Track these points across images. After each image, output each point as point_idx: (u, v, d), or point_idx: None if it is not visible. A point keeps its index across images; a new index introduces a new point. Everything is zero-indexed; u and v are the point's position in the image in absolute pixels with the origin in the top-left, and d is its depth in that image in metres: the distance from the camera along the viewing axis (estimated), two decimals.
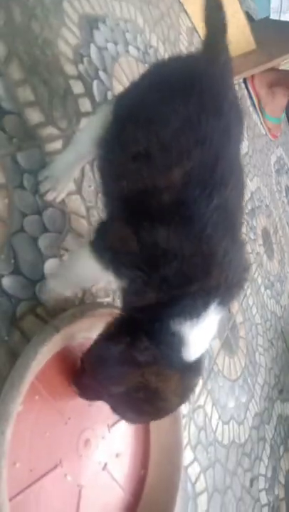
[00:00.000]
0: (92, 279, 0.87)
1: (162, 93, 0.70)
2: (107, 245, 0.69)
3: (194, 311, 0.62)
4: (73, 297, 0.86)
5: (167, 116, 0.66)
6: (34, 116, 0.89)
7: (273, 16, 1.53)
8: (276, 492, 1.49)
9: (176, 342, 0.62)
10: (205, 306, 0.63)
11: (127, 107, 0.75)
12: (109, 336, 0.67)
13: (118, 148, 0.71)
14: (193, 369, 0.67)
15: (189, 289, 0.62)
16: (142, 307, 0.65)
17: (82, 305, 0.86)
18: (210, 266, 0.63)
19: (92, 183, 0.97)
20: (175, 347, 0.63)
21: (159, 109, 0.68)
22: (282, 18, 1.52)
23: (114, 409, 0.69)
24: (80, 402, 0.81)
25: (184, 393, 0.69)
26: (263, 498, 1.40)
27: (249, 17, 2.00)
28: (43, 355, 0.70)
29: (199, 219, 0.62)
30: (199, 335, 0.64)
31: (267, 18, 1.70)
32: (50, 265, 0.82)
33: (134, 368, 0.63)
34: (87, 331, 0.84)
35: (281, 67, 2.18)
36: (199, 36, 1.78)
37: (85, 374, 0.71)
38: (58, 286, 0.80)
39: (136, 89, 0.79)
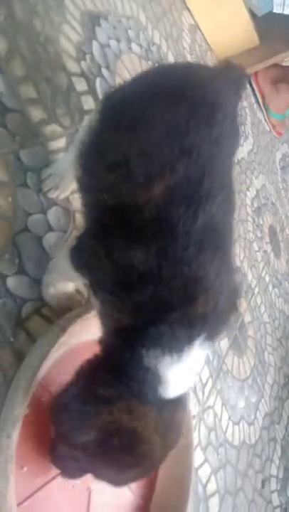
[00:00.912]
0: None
1: (152, 95, 0.64)
2: (82, 260, 0.65)
3: (175, 344, 0.54)
4: (79, 297, 0.84)
5: (152, 121, 0.60)
6: (37, 113, 0.87)
7: (276, 10, 1.51)
8: (288, 493, 1.46)
9: (151, 379, 0.54)
10: (189, 340, 0.55)
11: (113, 105, 0.69)
12: (71, 379, 0.59)
13: (95, 155, 0.65)
14: (174, 404, 0.58)
15: (168, 317, 0.54)
16: (117, 333, 0.58)
17: (88, 304, 0.84)
18: (194, 292, 0.55)
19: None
20: (149, 384, 0.55)
21: (144, 111, 0.62)
22: (286, 12, 1.50)
23: (94, 471, 0.61)
24: None
25: (169, 432, 0.58)
26: (275, 499, 1.37)
27: (252, 13, 1.99)
28: (49, 356, 0.68)
29: (182, 239, 0.55)
30: (181, 373, 0.56)
31: (270, 13, 1.68)
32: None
33: (99, 405, 0.55)
34: (94, 332, 0.82)
35: (285, 64, 2.16)
36: (202, 34, 1.76)
37: (56, 440, 0.63)
38: (54, 281, 0.78)
39: (126, 87, 0.73)
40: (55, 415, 0.59)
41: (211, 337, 0.57)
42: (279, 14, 1.58)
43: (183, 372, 0.56)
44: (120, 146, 0.60)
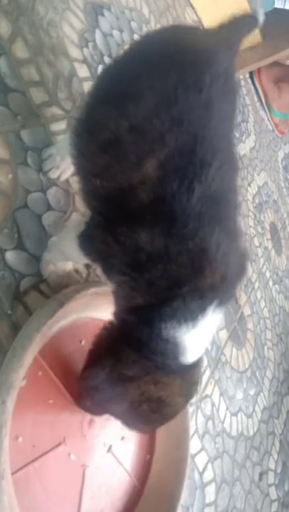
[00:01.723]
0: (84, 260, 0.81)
1: (140, 66, 0.62)
2: (92, 247, 0.66)
3: (189, 314, 0.57)
4: (78, 276, 0.85)
5: (140, 93, 0.58)
6: (38, 95, 0.89)
7: (278, 5, 1.52)
8: (286, 488, 1.45)
9: (171, 349, 0.58)
10: (201, 308, 0.58)
11: (103, 81, 0.67)
12: (95, 360, 0.63)
13: (86, 134, 0.63)
14: (193, 366, 0.62)
15: (180, 292, 0.57)
16: (132, 311, 0.60)
17: (87, 282, 0.85)
18: (200, 264, 0.57)
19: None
20: (170, 354, 0.58)
21: (132, 83, 0.60)
22: (287, 7, 1.52)
23: (124, 423, 0.66)
24: None
25: (189, 391, 0.65)
26: (273, 493, 1.37)
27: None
28: (46, 328, 0.69)
29: (181, 215, 0.56)
30: (197, 339, 0.59)
31: (273, 10, 1.69)
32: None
33: (128, 384, 0.60)
34: (92, 310, 0.83)
35: (288, 63, 2.17)
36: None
37: (85, 400, 0.68)
38: (54, 259, 0.79)
39: (118, 61, 0.71)
40: (88, 394, 0.65)
41: (223, 303, 0.60)
42: (282, 12, 1.59)
43: (199, 338, 0.60)
44: (110, 122, 0.59)
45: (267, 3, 1.88)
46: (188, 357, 0.60)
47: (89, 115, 0.65)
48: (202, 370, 0.70)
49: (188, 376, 0.63)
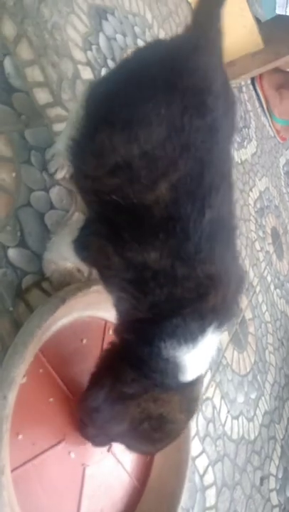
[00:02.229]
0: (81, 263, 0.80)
1: (141, 89, 0.61)
2: (88, 255, 0.67)
3: (189, 335, 0.58)
4: (79, 275, 0.85)
5: (148, 119, 0.58)
6: (42, 96, 0.90)
7: (279, 11, 1.54)
8: (287, 494, 1.44)
9: (171, 368, 0.59)
10: (201, 329, 0.59)
11: (100, 102, 0.66)
12: (94, 380, 0.64)
13: (92, 158, 0.62)
14: (192, 383, 0.63)
15: (181, 313, 0.58)
16: (132, 328, 0.61)
17: (89, 281, 0.85)
18: (207, 290, 0.58)
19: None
20: (170, 373, 0.59)
21: (137, 109, 0.59)
22: (288, 13, 1.53)
23: (128, 446, 0.66)
24: (85, 380, 0.80)
25: (189, 407, 0.65)
26: (274, 498, 1.35)
27: (256, 17, 2.02)
28: (48, 325, 0.69)
29: (193, 237, 0.57)
30: (196, 358, 0.60)
31: (275, 17, 1.71)
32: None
33: (127, 402, 0.60)
34: (93, 309, 0.83)
35: None
36: None
37: (87, 426, 0.68)
38: (55, 259, 0.79)
39: (112, 80, 0.70)
40: (86, 416, 0.65)
41: (222, 324, 0.61)
42: (284, 18, 1.61)
43: (199, 358, 0.61)
44: (119, 147, 0.59)
45: (268, 10, 1.90)
46: (188, 376, 0.61)
47: (92, 138, 0.63)
48: (202, 387, 0.69)
49: (187, 392, 0.63)
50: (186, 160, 0.58)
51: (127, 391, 0.59)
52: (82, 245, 0.68)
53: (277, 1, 1.40)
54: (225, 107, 0.64)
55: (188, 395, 0.64)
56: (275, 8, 1.69)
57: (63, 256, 0.78)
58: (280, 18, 1.65)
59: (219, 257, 0.59)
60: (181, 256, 0.57)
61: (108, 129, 0.60)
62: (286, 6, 1.41)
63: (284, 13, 1.48)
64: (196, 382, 0.64)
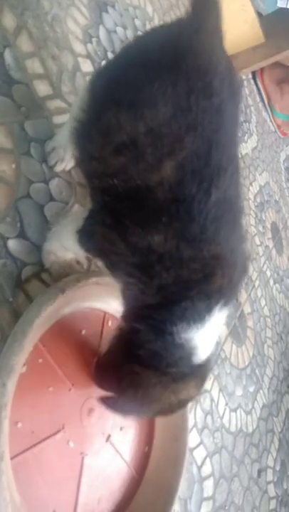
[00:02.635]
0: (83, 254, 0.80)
1: (146, 70, 0.62)
2: (93, 243, 0.67)
3: (197, 315, 0.60)
4: (79, 267, 0.86)
5: (154, 99, 0.59)
6: (42, 88, 0.90)
7: (280, 4, 1.54)
8: (285, 486, 1.45)
9: (185, 352, 0.61)
10: (208, 309, 0.60)
11: (105, 84, 0.67)
12: (116, 386, 0.66)
13: (98, 137, 0.63)
14: (205, 364, 0.66)
15: (189, 295, 0.59)
16: (142, 316, 0.62)
17: (88, 272, 0.86)
18: (213, 270, 0.59)
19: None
20: (184, 359, 0.62)
21: (143, 89, 0.60)
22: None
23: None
24: (84, 370, 0.81)
25: (201, 385, 0.69)
26: (271, 490, 1.37)
27: (258, 11, 2.02)
28: (47, 315, 0.69)
29: (198, 219, 0.57)
30: (205, 337, 0.62)
31: (276, 11, 1.71)
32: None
33: (152, 404, 0.65)
34: (92, 300, 0.84)
35: None
36: None
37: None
38: (54, 250, 0.79)
39: (116, 64, 0.71)
40: (111, 408, 0.69)
41: (228, 302, 0.63)
42: (285, 11, 1.61)
43: (207, 337, 0.63)
44: (125, 126, 0.59)
45: (270, 4, 1.90)
46: (200, 356, 0.63)
47: (98, 117, 0.64)
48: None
49: (200, 373, 0.67)
50: (192, 139, 0.58)
51: (150, 396, 0.63)
52: (87, 235, 0.68)
53: None
54: (230, 91, 0.64)
55: (202, 375, 0.67)
56: (276, 2, 1.69)
57: (65, 247, 0.79)
58: (282, 12, 1.65)
59: (225, 238, 0.60)
60: (186, 237, 0.57)
61: (114, 108, 0.61)
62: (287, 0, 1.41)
63: (285, 6, 1.47)
64: (207, 362, 0.66)
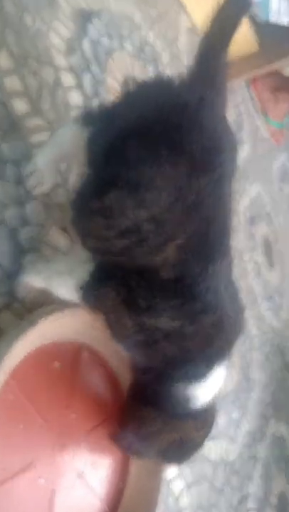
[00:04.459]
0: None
1: (146, 148, 0.63)
2: (101, 307, 0.72)
3: (198, 374, 0.68)
4: (54, 296, 0.87)
5: (155, 183, 0.61)
6: (21, 106, 0.92)
7: (273, 18, 1.58)
8: None
9: (183, 402, 0.70)
10: (208, 368, 0.68)
11: (104, 154, 0.68)
12: (124, 422, 0.77)
13: (100, 219, 0.65)
14: (206, 409, 0.74)
15: (191, 359, 0.67)
16: (148, 372, 0.71)
17: (62, 302, 0.88)
18: (213, 339, 0.67)
19: (78, 177, 0.99)
20: (182, 405, 0.70)
21: (144, 172, 0.62)
22: (281, 20, 1.57)
23: (161, 460, 0.83)
24: (57, 405, 0.83)
25: (207, 424, 0.77)
26: None
27: (252, 20, 2.05)
28: (18, 350, 0.71)
29: (199, 295, 0.63)
30: (207, 389, 0.70)
31: (270, 21, 1.74)
32: (30, 259, 0.84)
33: (152, 439, 0.74)
34: (67, 332, 0.85)
35: (285, 73, 2.23)
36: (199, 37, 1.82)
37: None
38: (35, 284, 0.81)
39: (113, 126, 0.71)
40: (122, 447, 0.84)
41: (226, 357, 0.71)
42: (276, 26, 1.65)
43: (207, 389, 0.71)
44: (128, 212, 0.62)
45: (266, 12, 1.93)
46: (199, 404, 0.71)
47: (99, 198, 0.65)
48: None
49: (200, 416, 0.74)
50: (192, 221, 0.63)
51: (151, 429, 0.71)
52: (96, 298, 0.71)
53: (271, 8, 1.43)
54: (230, 154, 0.69)
55: (203, 419, 0.75)
56: (267, 13, 1.72)
57: (53, 289, 0.79)
58: (272, 26, 1.69)
59: (222, 305, 0.66)
60: (189, 315, 0.64)
61: (116, 192, 0.63)
62: (279, 13, 1.44)
63: (275, 22, 1.51)
64: (210, 407, 0.75)
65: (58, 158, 0.90)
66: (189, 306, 0.63)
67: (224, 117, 0.74)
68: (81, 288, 0.71)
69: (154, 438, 0.73)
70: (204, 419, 0.76)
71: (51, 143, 0.88)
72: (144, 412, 0.72)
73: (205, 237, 0.64)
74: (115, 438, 0.80)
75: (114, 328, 0.71)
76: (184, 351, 0.67)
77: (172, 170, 0.61)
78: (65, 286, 0.74)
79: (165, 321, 0.64)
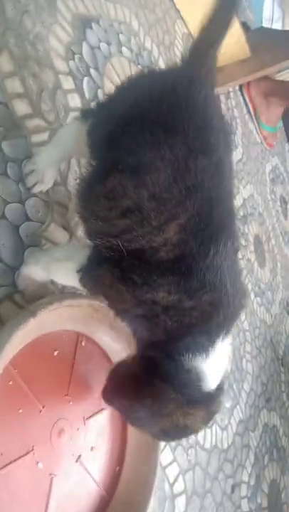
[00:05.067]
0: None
1: (143, 133, 0.65)
2: (100, 288, 0.71)
3: (201, 347, 0.65)
4: (53, 287, 0.88)
5: (154, 164, 0.63)
6: (22, 107, 0.92)
7: (265, 25, 1.58)
8: (259, 501, 1.49)
9: (194, 377, 0.66)
10: (210, 342, 0.66)
11: (105, 142, 0.70)
12: (134, 393, 0.70)
13: (104, 200, 0.67)
14: (216, 395, 0.70)
15: (191, 333, 0.65)
16: (154, 345, 0.68)
17: (61, 294, 0.88)
18: (213, 313, 0.65)
19: (77, 176, 0.99)
20: (194, 382, 0.67)
21: (143, 154, 0.64)
22: (274, 27, 1.58)
23: (150, 434, 0.75)
24: (56, 392, 0.83)
25: (209, 418, 0.73)
26: (245, 505, 1.40)
27: (247, 27, 2.06)
28: (18, 339, 0.71)
29: (198, 273, 0.63)
30: (213, 366, 0.67)
31: (262, 27, 1.75)
32: (30, 253, 0.84)
33: (163, 419, 0.68)
34: (66, 322, 0.86)
35: (277, 78, 2.23)
36: None
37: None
38: (33, 274, 0.81)
39: (112, 116, 0.73)
40: (124, 415, 0.78)
41: (228, 332, 0.68)
42: (268, 30, 1.65)
43: (215, 365, 0.68)
44: (129, 192, 0.64)
45: (259, 15, 1.94)
46: (209, 383, 0.68)
47: (102, 182, 0.67)
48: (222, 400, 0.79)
49: (211, 406, 0.71)
50: (194, 201, 0.62)
51: (164, 411, 0.67)
52: (93, 279, 0.71)
53: (264, 15, 1.44)
54: (225, 140, 0.69)
55: (212, 409, 0.71)
56: (260, 19, 1.73)
57: (52, 277, 0.81)
58: (265, 31, 1.69)
59: (222, 284, 0.65)
60: (187, 291, 0.63)
61: (118, 175, 0.65)
62: (271, 20, 1.45)
63: (270, 27, 1.52)
64: (218, 394, 0.71)
65: (58, 158, 0.91)
66: (187, 281, 0.62)
67: (215, 101, 0.73)
68: (79, 271, 0.71)
69: (163, 418, 0.69)
70: (212, 412, 0.73)
71: (52, 143, 0.89)
72: (162, 391, 0.67)
73: (208, 219, 0.63)
74: (121, 405, 0.74)
75: (115, 304, 0.70)
76: (183, 326, 0.65)
77: (169, 151, 0.62)
78: (64, 272, 0.74)
79: (163, 296, 0.63)
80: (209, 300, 0.64)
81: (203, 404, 0.69)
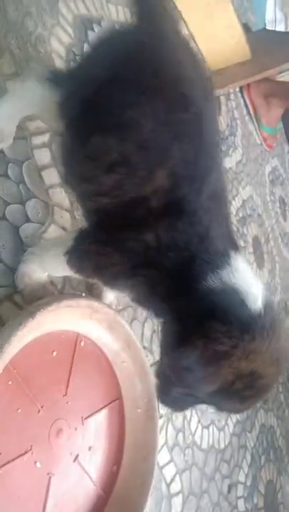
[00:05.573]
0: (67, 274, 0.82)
1: (119, 92, 0.66)
2: (87, 262, 0.71)
3: (216, 264, 0.62)
4: (52, 288, 0.89)
5: (135, 119, 0.64)
6: None
7: (268, 27, 1.59)
8: (255, 501, 1.49)
9: (233, 295, 0.60)
10: (223, 256, 0.63)
11: (82, 108, 0.70)
12: (179, 342, 0.61)
13: (87, 161, 0.68)
14: (268, 324, 0.60)
15: (198, 257, 0.63)
16: (168, 299, 0.64)
17: (60, 295, 0.89)
18: (208, 232, 0.64)
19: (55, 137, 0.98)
20: (237, 301, 0.60)
21: (123, 113, 0.65)
22: (278, 28, 1.58)
23: (217, 406, 0.63)
24: (54, 392, 0.84)
25: (279, 358, 0.62)
26: (241, 505, 1.41)
27: (248, 29, 2.07)
28: (18, 339, 0.72)
29: (192, 212, 0.63)
30: (242, 278, 0.63)
31: (263, 29, 1.75)
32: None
33: (221, 362, 0.58)
34: (65, 323, 0.86)
35: (278, 79, 2.24)
36: (196, 44, 1.83)
37: (170, 388, 0.66)
38: (31, 272, 0.82)
39: (84, 80, 0.73)
40: (179, 376, 0.62)
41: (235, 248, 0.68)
42: (272, 30, 1.65)
43: (245, 279, 0.63)
44: (114, 147, 0.64)
45: (260, 16, 1.94)
46: (252, 300, 0.60)
47: (83, 143, 0.68)
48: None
49: (269, 338, 0.59)
50: (178, 148, 0.64)
51: (220, 349, 0.57)
52: (80, 255, 0.72)
53: (266, 18, 1.44)
54: (204, 89, 0.70)
55: (273, 345, 0.60)
56: (263, 20, 1.73)
57: (47, 270, 0.82)
58: (268, 32, 1.69)
59: (214, 227, 0.65)
60: (183, 228, 0.63)
61: (101, 134, 0.66)
62: (275, 22, 1.45)
63: (273, 29, 1.52)
64: (268, 314, 0.61)
65: (17, 115, 0.86)
66: (180, 220, 0.63)
67: (186, 50, 0.75)
68: (65, 254, 0.72)
69: (221, 364, 0.57)
70: (274, 346, 0.60)
71: (10, 98, 0.85)
72: (209, 326, 0.58)
73: (195, 162, 0.64)
74: (169, 357, 0.65)
75: (107, 274, 0.69)
76: (186, 256, 0.63)
77: (148, 107, 0.64)
78: (55, 259, 0.75)
79: (152, 238, 0.63)
80: (205, 236, 0.64)
81: (257, 330, 0.58)
